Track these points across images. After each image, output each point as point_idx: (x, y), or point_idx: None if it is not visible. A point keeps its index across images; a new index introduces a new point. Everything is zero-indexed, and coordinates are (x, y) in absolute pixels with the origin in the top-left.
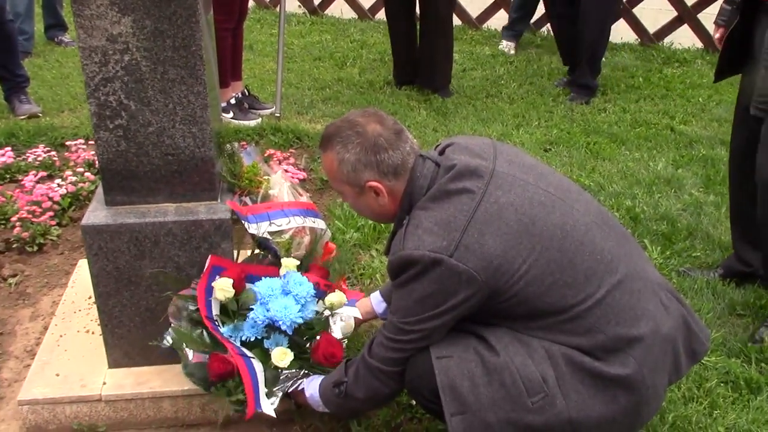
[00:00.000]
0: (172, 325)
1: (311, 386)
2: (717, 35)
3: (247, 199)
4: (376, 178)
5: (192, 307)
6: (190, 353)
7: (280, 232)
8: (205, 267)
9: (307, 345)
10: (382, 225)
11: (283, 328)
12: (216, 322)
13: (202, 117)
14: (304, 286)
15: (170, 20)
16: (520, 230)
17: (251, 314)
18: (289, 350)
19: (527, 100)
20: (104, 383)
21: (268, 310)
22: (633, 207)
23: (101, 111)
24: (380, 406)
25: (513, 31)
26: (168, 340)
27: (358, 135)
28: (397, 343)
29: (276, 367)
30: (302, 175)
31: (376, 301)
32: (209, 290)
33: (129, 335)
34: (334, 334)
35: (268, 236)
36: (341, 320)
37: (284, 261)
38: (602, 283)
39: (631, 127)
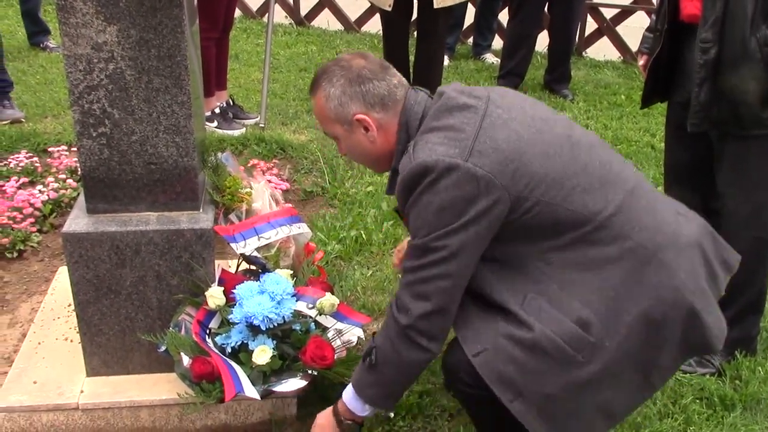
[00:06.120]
0: (169, 330)
1: (345, 391)
2: (641, 62)
3: (233, 217)
4: (363, 110)
5: (189, 319)
6: (185, 358)
7: (268, 246)
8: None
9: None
10: (364, 236)
11: (256, 323)
12: (208, 332)
13: (185, 127)
14: (281, 284)
15: (156, 30)
16: (530, 137)
17: (230, 315)
18: (269, 348)
19: None
20: (82, 391)
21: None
22: None
23: (85, 119)
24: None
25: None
26: (164, 345)
27: (342, 69)
28: (423, 269)
29: (258, 367)
30: (285, 185)
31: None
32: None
33: (108, 344)
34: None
35: (257, 253)
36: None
37: (278, 272)
38: (617, 190)
39: (613, 144)
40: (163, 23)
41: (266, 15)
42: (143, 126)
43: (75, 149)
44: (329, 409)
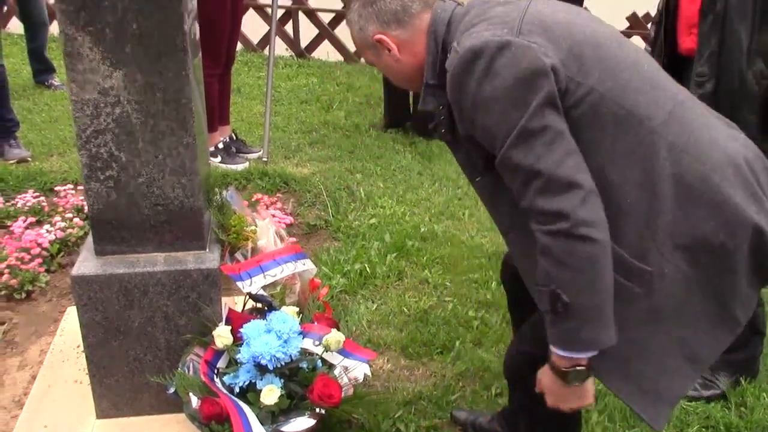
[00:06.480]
0: (178, 370)
1: (551, 350)
2: None
3: (239, 255)
4: (380, 30)
5: (197, 359)
6: (194, 399)
7: (273, 284)
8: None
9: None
10: (368, 269)
11: (263, 363)
12: (216, 373)
13: (191, 168)
14: (288, 323)
15: (161, 74)
16: (578, 25)
17: (238, 355)
18: (276, 387)
19: None
20: None
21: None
22: None
23: (92, 162)
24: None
25: None
26: (173, 386)
27: None
28: (542, 160)
29: (267, 407)
30: (289, 219)
31: None
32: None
33: (117, 385)
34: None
35: (263, 291)
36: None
37: (285, 309)
38: (667, 98)
39: None
40: (168, 68)
41: (267, 48)
42: (150, 168)
43: (81, 188)
44: (546, 368)
